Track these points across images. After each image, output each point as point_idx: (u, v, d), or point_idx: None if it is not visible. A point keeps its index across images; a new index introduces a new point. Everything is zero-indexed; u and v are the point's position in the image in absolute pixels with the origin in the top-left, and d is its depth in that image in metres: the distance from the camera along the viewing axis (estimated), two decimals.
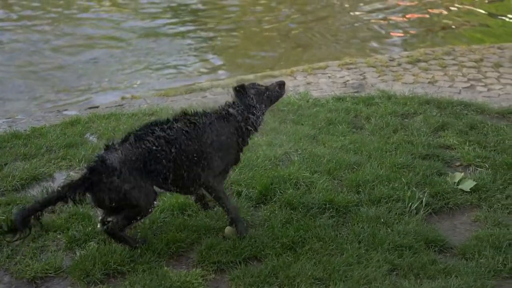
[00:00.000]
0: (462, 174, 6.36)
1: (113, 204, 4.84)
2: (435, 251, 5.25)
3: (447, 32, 13.81)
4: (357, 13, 15.35)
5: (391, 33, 13.63)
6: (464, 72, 10.10)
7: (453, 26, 14.20)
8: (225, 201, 5.30)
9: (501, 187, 6.20)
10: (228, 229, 5.35)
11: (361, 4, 16.08)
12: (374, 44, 12.96)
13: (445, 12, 15.24)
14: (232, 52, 12.71)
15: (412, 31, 13.81)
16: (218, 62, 12.12)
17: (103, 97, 9.93)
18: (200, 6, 15.80)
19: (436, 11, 15.38)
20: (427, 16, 14.96)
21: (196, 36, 13.48)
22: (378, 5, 15.86)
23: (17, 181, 6.22)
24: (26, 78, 10.89)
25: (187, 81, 10.82)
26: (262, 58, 12.18)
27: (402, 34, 13.53)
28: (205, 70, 11.59)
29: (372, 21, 14.59)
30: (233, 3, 16.14)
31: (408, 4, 15.94)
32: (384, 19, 14.69)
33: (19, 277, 4.88)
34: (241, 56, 12.43)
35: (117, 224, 4.95)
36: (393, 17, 14.76)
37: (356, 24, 14.36)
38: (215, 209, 5.64)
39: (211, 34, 13.68)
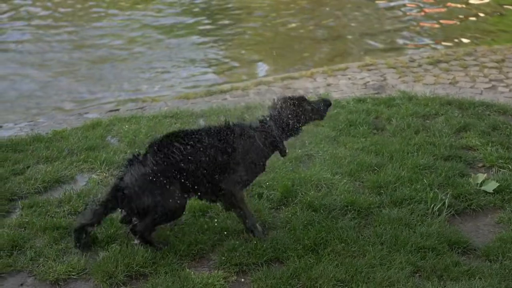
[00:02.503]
0: (485, 175, 6.30)
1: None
2: (458, 252, 5.22)
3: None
4: (398, 13, 15.15)
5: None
6: (486, 72, 10.02)
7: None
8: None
9: None
10: None
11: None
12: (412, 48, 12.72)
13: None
14: (258, 53, 12.65)
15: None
16: (243, 64, 12.04)
17: (124, 100, 9.97)
18: (230, 7, 15.69)
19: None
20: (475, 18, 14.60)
21: (221, 38, 13.43)
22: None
23: (40, 184, 6.27)
24: (47, 81, 10.94)
25: (208, 83, 10.80)
26: (291, 60, 12.07)
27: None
28: (227, 73, 11.56)
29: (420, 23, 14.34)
30: (263, 3, 16.01)
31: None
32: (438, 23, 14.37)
33: (42, 279, 4.92)
34: (268, 58, 12.36)
35: (143, 225, 5.03)
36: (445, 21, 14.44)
37: (396, 25, 14.15)
38: None
39: (237, 35, 13.61)
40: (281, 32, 13.74)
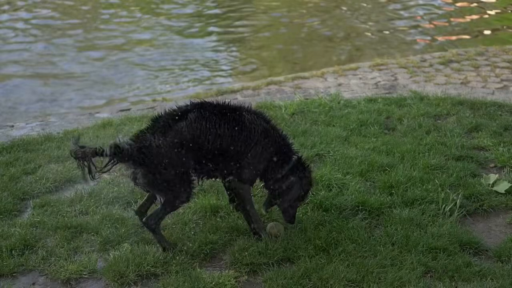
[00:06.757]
0: (497, 175, 6.28)
1: None
2: (469, 253, 5.20)
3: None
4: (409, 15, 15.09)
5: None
6: (497, 72, 9.97)
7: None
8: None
9: None
10: (269, 226, 5.38)
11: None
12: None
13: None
14: (269, 53, 12.64)
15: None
16: (254, 64, 12.03)
17: (134, 100, 9.99)
18: (239, 6, 15.67)
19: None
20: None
21: (232, 37, 13.42)
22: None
23: (51, 183, 6.30)
24: (58, 82, 10.98)
25: (219, 83, 10.81)
26: (302, 60, 12.06)
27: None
28: (239, 72, 11.56)
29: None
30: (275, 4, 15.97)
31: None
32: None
33: (54, 278, 4.93)
34: (278, 58, 12.35)
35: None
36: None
37: (404, 29, 14.08)
38: None
39: (248, 35, 13.60)
40: (298, 32, 13.73)
